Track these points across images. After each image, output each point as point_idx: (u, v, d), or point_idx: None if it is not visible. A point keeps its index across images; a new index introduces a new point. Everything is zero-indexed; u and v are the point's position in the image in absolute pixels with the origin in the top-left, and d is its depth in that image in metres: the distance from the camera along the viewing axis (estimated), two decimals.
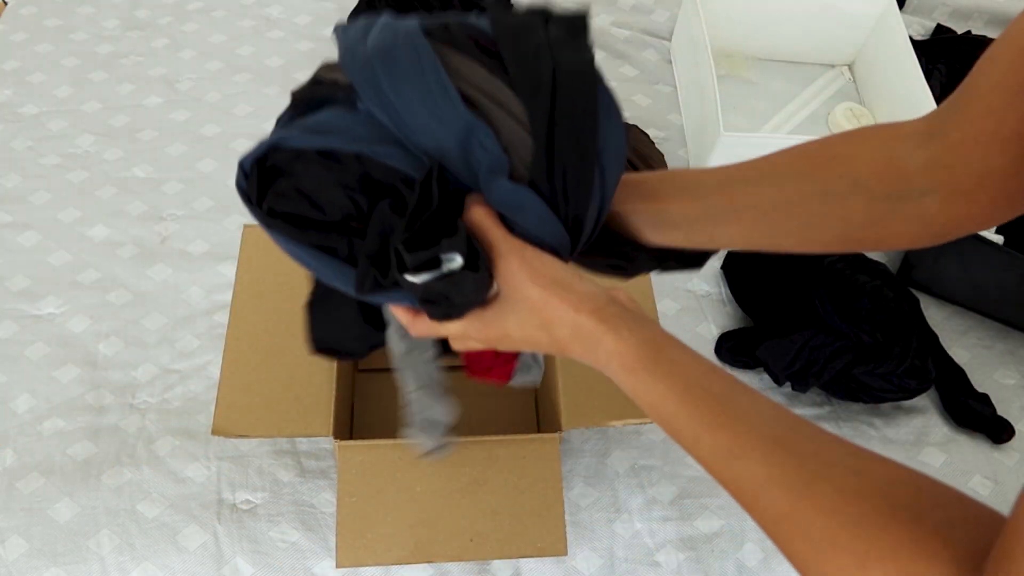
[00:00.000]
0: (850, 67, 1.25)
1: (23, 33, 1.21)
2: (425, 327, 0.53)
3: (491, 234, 0.48)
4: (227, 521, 0.77)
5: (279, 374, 0.72)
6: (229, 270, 0.94)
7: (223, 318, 0.90)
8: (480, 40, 0.50)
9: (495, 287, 0.49)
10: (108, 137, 1.08)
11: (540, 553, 0.68)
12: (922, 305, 0.93)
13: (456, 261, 0.45)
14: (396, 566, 0.75)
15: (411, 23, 0.52)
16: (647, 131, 1.08)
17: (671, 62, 1.24)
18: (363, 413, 0.86)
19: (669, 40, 1.26)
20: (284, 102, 1.20)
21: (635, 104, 1.17)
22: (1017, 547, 0.30)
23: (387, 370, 0.88)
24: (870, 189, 0.53)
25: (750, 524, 0.80)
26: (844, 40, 1.22)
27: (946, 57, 1.22)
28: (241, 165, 0.53)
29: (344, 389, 0.77)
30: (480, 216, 0.49)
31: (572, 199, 0.50)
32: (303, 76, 1.28)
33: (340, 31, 0.54)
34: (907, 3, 1.34)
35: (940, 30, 1.29)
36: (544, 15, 0.51)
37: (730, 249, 0.58)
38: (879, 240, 0.54)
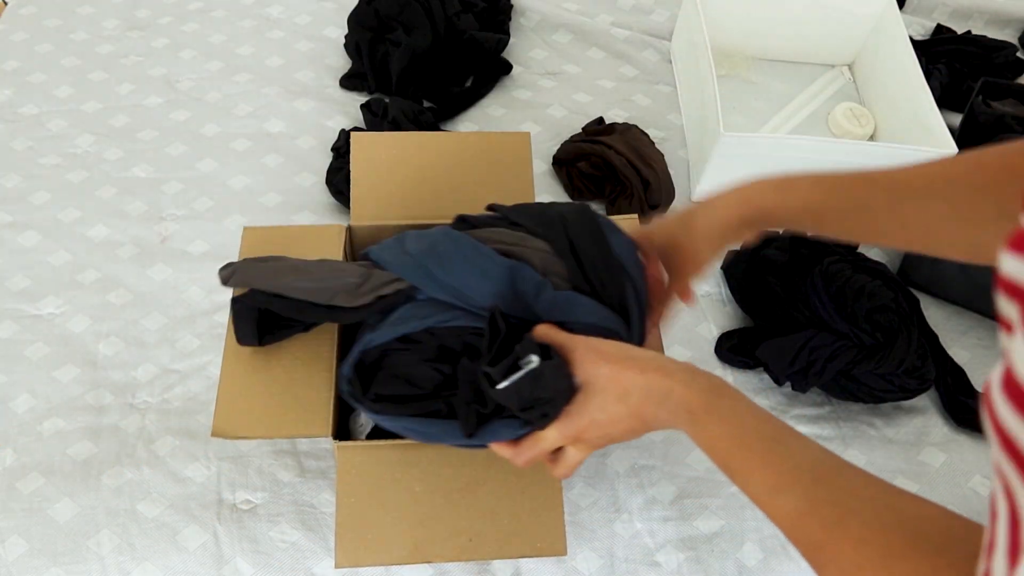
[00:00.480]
0: (850, 67, 1.25)
1: (23, 33, 1.21)
2: (528, 451, 0.58)
3: (556, 337, 0.57)
4: (227, 521, 0.77)
5: (278, 375, 0.72)
6: None
7: (223, 318, 0.90)
8: (496, 220, 0.67)
9: (575, 379, 0.55)
10: (108, 137, 1.08)
11: (539, 553, 0.68)
12: (922, 305, 0.93)
13: (532, 360, 0.54)
14: (395, 566, 0.75)
15: (436, 230, 0.65)
16: (647, 131, 1.08)
17: (671, 62, 1.24)
18: (363, 413, 0.86)
19: (669, 40, 1.26)
20: (284, 102, 1.20)
21: (635, 104, 1.17)
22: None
23: None
24: None
25: (750, 524, 0.80)
26: (844, 40, 1.22)
27: (946, 57, 1.22)
28: (343, 375, 0.64)
29: None
30: (542, 329, 0.58)
31: (610, 287, 0.61)
32: (303, 76, 1.29)
33: (377, 255, 0.67)
34: (907, 3, 1.34)
35: (940, 30, 1.29)
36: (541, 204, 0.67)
37: (884, 245, 0.63)
38: None
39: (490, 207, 0.69)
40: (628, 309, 0.61)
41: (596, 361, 0.54)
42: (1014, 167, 0.52)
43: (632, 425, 0.54)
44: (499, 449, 0.60)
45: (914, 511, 0.41)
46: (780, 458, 0.47)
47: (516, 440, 0.59)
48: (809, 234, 0.62)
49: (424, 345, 0.61)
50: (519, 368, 0.54)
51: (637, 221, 0.83)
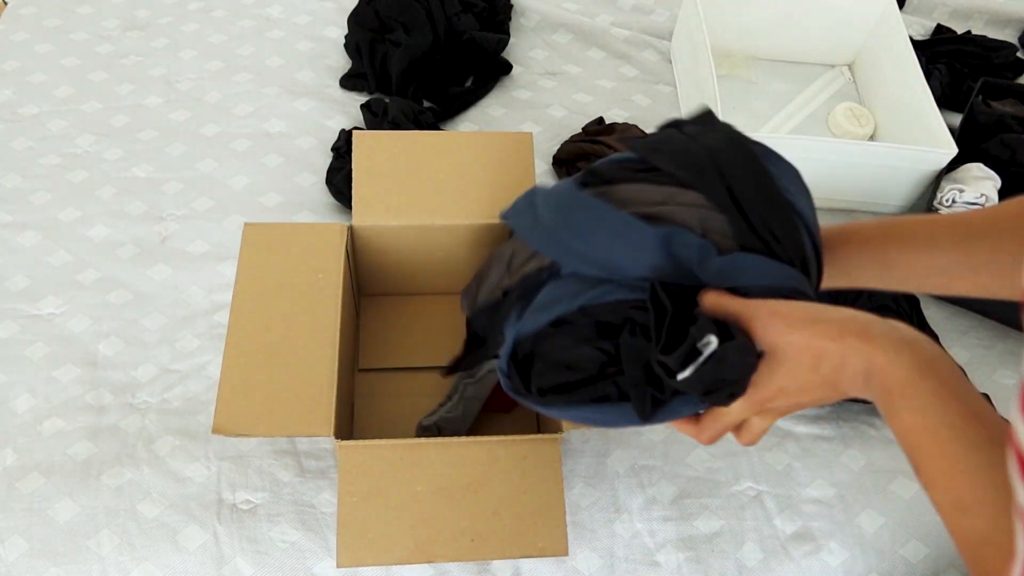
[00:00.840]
0: (850, 67, 1.25)
1: (23, 33, 1.21)
2: (711, 427, 0.53)
3: (731, 307, 0.49)
4: (227, 521, 0.77)
5: (279, 373, 0.72)
6: (229, 270, 0.94)
7: (223, 318, 0.90)
8: (631, 166, 0.55)
9: (758, 348, 0.49)
10: (108, 137, 1.08)
11: (541, 553, 0.68)
12: (922, 305, 0.93)
13: (711, 342, 0.47)
14: (396, 566, 0.75)
15: (565, 187, 0.56)
16: (647, 131, 1.08)
17: (671, 62, 1.24)
18: (363, 413, 0.86)
19: (669, 40, 1.26)
20: (284, 102, 1.20)
21: (635, 104, 1.17)
22: None
23: (387, 370, 0.89)
24: None
25: (750, 524, 0.80)
26: (844, 40, 1.22)
27: (946, 57, 1.22)
28: (501, 370, 0.58)
29: (344, 389, 0.77)
30: (712, 299, 0.50)
31: (784, 240, 0.52)
32: (303, 76, 1.29)
33: (511, 219, 0.59)
34: (907, 3, 1.34)
35: (940, 30, 1.29)
36: (674, 123, 0.56)
37: (950, 292, 0.58)
38: None
39: (624, 141, 0.59)
40: (807, 260, 0.53)
41: (781, 329, 0.48)
42: None
43: (825, 393, 0.49)
44: (680, 427, 0.55)
45: None
46: (974, 471, 0.42)
47: (697, 416, 0.54)
48: (879, 287, 0.58)
49: (579, 325, 0.54)
50: (698, 352, 0.48)
51: None
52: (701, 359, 0.48)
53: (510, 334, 0.57)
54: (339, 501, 0.68)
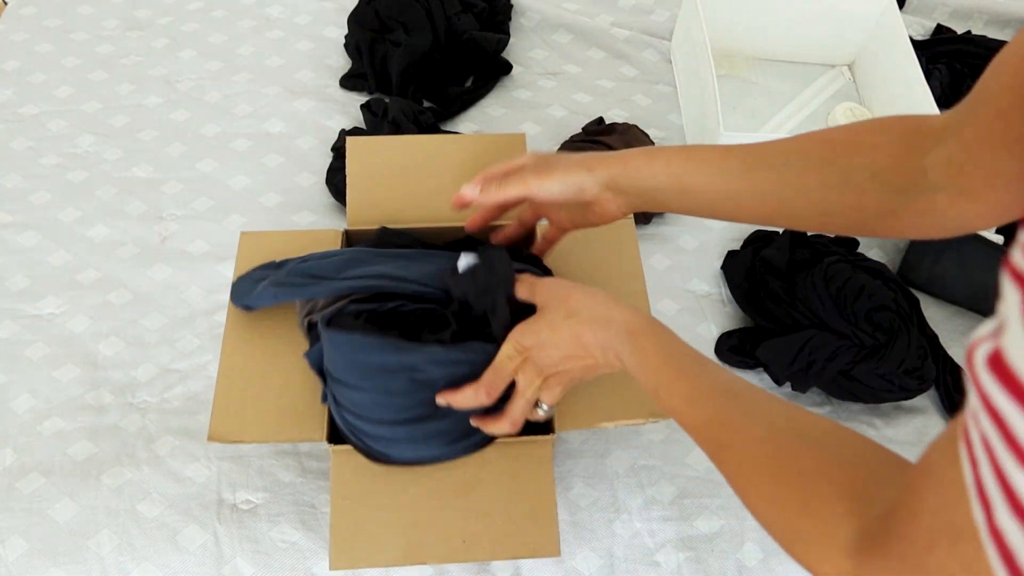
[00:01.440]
0: (850, 67, 1.25)
1: (23, 33, 1.21)
2: (489, 377, 0.63)
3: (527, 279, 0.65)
4: (227, 521, 0.77)
5: (274, 380, 0.72)
6: (229, 270, 0.94)
7: (223, 318, 0.89)
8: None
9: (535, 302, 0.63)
10: (108, 137, 1.08)
11: (533, 554, 0.68)
12: (922, 305, 0.93)
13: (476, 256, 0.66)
14: (391, 568, 0.75)
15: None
16: (647, 131, 1.08)
17: (671, 62, 1.24)
18: None
19: (669, 40, 1.26)
20: (284, 102, 1.20)
21: (635, 104, 1.17)
22: (909, 515, 0.34)
23: None
24: (887, 181, 0.56)
25: (750, 524, 0.80)
26: (844, 40, 1.22)
27: (946, 57, 1.22)
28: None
29: None
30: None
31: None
32: (303, 76, 1.29)
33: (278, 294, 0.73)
34: (907, 3, 1.34)
35: (940, 30, 1.29)
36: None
37: (750, 224, 0.68)
38: (889, 230, 0.58)
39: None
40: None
41: (553, 286, 0.62)
42: (860, 142, 0.57)
43: (575, 350, 0.59)
44: (469, 392, 0.63)
45: (815, 424, 0.47)
46: (702, 375, 0.53)
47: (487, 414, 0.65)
48: (678, 211, 0.66)
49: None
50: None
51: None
52: (474, 258, 0.65)
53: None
54: (332, 505, 0.68)
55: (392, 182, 0.84)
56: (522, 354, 0.61)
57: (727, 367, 0.90)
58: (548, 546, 0.68)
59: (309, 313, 0.73)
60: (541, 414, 0.65)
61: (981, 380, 0.25)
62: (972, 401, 0.26)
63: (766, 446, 0.47)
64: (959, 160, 0.52)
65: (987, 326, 0.26)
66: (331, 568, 0.67)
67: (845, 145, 0.58)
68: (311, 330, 0.72)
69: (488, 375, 0.63)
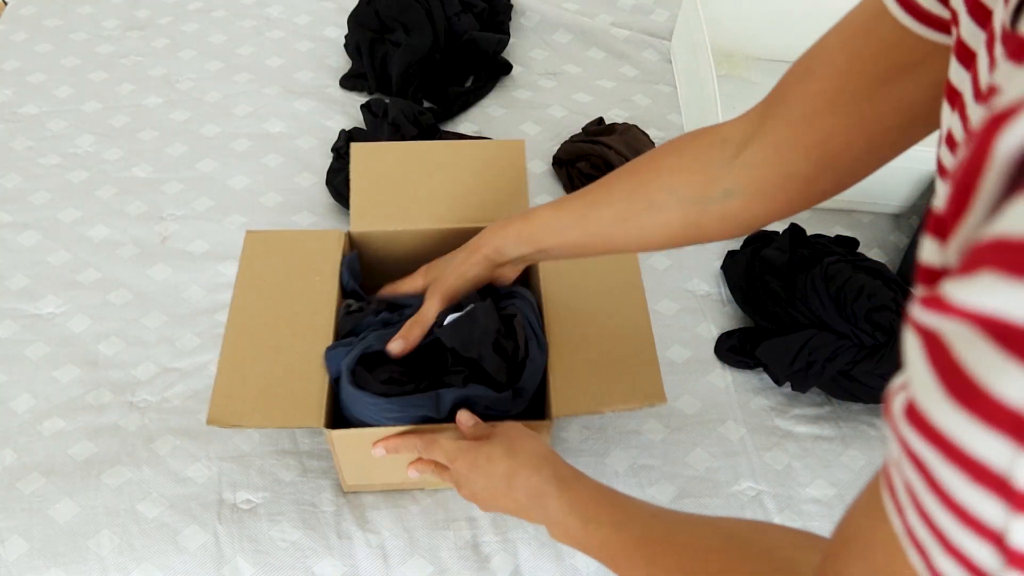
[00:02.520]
0: None
1: (23, 33, 1.21)
2: (429, 445, 0.69)
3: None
4: (228, 521, 0.77)
5: (275, 368, 0.73)
6: (229, 270, 0.94)
7: (223, 317, 0.89)
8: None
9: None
10: (108, 137, 1.08)
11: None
12: None
13: (469, 306, 0.74)
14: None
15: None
16: (647, 131, 1.08)
17: (671, 62, 1.24)
18: None
19: (669, 40, 1.26)
20: (284, 102, 1.20)
21: (635, 104, 1.17)
22: (842, 548, 0.34)
23: None
24: (683, 196, 0.62)
25: None
26: None
27: None
28: (346, 367, 0.73)
29: None
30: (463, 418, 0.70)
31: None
32: (303, 76, 1.29)
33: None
34: None
35: None
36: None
37: (588, 256, 0.75)
38: (695, 238, 0.64)
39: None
40: (521, 389, 0.74)
41: (507, 428, 0.67)
42: (660, 167, 0.64)
43: (500, 485, 0.63)
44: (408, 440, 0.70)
45: (735, 523, 0.51)
46: (628, 504, 0.59)
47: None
48: (547, 259, 0.76)
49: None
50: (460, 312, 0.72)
51: None
52: (460, 313, 0.72)
53: (360, 345, 0.73)
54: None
55: (395, 187, 0.86)
56: (451, 464, 0.67)
57: (727, 367, 0.90)
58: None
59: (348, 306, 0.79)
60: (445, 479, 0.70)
61: (900, 430, 0.25)
62: (893, 450, 0.26)
63: (691, 551, 0.49)
64: (754, 162, 0.56)
65: (900, 377, 0.26)
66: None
67: (647, 172, 0.64)
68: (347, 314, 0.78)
69: (425, 442, 0.69)
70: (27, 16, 1.24)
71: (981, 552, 0.22)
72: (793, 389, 0.88)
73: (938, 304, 0.22)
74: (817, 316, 0.87)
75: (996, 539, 0.22)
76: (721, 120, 0.96)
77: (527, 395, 0.73)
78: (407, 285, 0.79)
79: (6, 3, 1.27)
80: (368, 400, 0.70)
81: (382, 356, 0.73)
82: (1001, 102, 0.21)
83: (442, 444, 0.67)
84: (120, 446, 0.81)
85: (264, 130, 1.10)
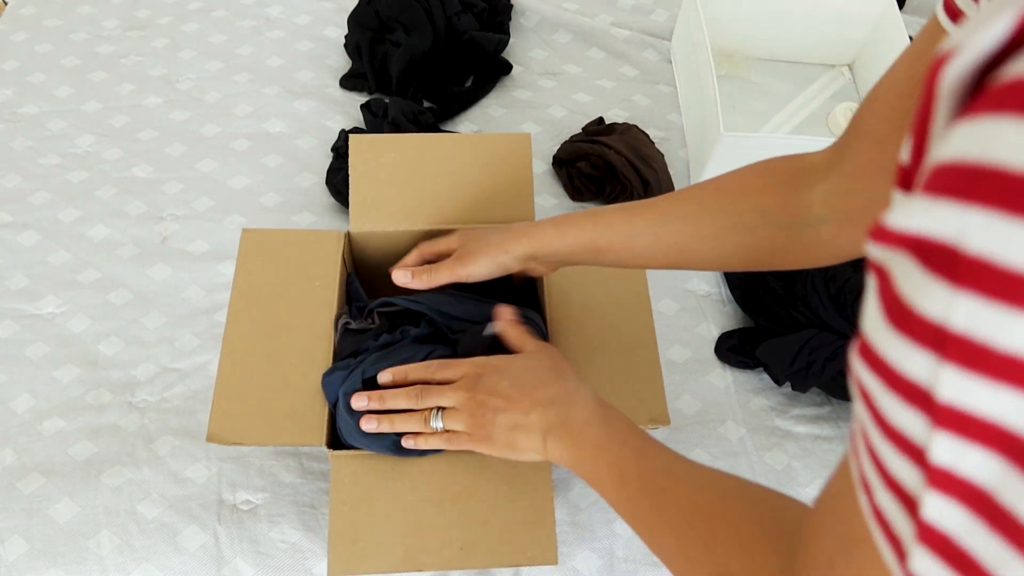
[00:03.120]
0: (850, 67, 1.25)
1: (23, 33, 1.21)
2: (425, 372, 0.70)
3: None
4: (227, 522, 0.77)
5: (274, 382, 0.72)
6: (229, 270, 0.94)
7: (223, 317, 0.89)
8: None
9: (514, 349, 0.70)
10: (108, 137, 1.08)
11: (531, 562, 0.67)
12: None
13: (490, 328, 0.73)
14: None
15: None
16: (647, 131, 1.08)
17: (671, 62, 1.24)
18: None
19: (669, 40, 1.26)
20: (284, 102, 1.20)
21: (635, 104, 1.17)
22: (811, 539, 0.35)
23: None
24: (775, 219, 0.61)
25: None
26: (844, 40, 1.22)
27: None
28: (344, 393, 0.72)
29: None
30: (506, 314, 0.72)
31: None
32: (303, 76, 1.29)
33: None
34: (907, 3, 1.34)
35: None
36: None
37: (651, 268, 0.74)
38: (783, 262, 0.63)
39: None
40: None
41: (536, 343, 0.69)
42: (748, 187, 0.63)
43: (521, 393, 0.63)
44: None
45: (736, 480, 0.51)
46: (645, 438, 0.59)
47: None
48: (593, 264, 0.73)
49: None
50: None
51: None
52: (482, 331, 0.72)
53: (359, 370, 0.72)
54: (331, 510, 0.68)
55: (396, 183, 0.83)
56: (478, 370, 0.66)
57: (727, 367, 0.90)
58: (546, 554, 0.67)
59: (344, 315, 0.78)
60: (432, 425, 0.67)
61: (855, 370, 0.26)
62: (854, 404, 0.27)
63: (704, 494, 0.50)
64: (842, 191, 0.57)
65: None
66: (329, 575, 0.66)
67: (735, 191, 0.63)
68: (344, 331, 0.76)
69: (435, 366, 0.68)
70: (27, 16, 1.24)
71: (908, 474, 0.23)
72: (793, 389, 0.88)
73: (880, 233, 0.23)
74: (817, 316, 0.87)
75: (918, 456, 0.22)
76: (721, 120, 0.96)
77: None
78: (442, 244, 0.77)
79: (6, 3, 1.27)
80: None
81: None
82: (942, 48, 0.22)
83: (472, 359, 0.67)
84: (120, 446, 0.81)
85: (264, 130, 1.10)
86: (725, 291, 0.97)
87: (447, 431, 0.67)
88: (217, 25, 1.24)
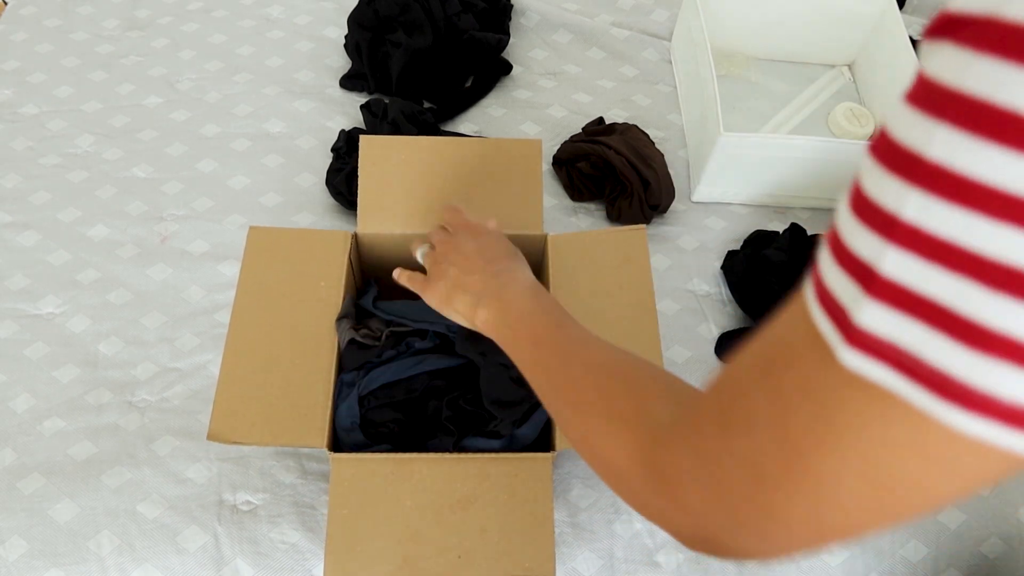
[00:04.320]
0: (850, 67, 1.25)
1: (23, 33, 1.21)
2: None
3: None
4: (227, 522, 0.77)
5: (277, 382, 0.72)
6: (229, 270, 0.94)
7: (223, 317, 0.90)
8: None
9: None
10: (108, 137, 1.08)
11: (528, 573, 0.67)
12: None
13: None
14: None
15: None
16: (647, 131, 1.08)
17: (671, 62, 1.24)
18: None
19: (669, 40, 1.26)
20: (284, 102, 1.20)
21: (635, 104, 1.17)
22: (714, 385, 0.36)
23: None
24: None
25: None
26: (844, 40, 1.22)
27: None
28: (346, 409, 0.76)
29: None
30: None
31: None
32: (303, 76, 1.29)
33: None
34: (907, 3, 1.34)
35: None
36: None
37: None
38: None
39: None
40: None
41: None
42: None
43: (477, 259, 0.67)
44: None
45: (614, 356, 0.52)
46: (562, 312, 0.61)
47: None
48: None
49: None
50: None
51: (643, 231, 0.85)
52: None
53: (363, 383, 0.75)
54: (329, 514, 0.68)
55: (404, 185, 0.83)
56: (463, 228, 0.71)
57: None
58: (543, 565, 0.67)
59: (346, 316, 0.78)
60: (417, 255, 0.74)
61: (837, 217, 0.29)
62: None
63: (610, 356, 0.52)
64: None
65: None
66: None
67: None
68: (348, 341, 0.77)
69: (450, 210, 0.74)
70: (27, 16, 1.24)
71: (869, 244, 0.26)
72: None
73: (932, 28, 0.25)
74: None
75: (886, 223, 0.26)
76: (721, 120, 0.96)
77: (519, 445, 0.74)
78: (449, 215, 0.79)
79: (6, 3, 1.27)
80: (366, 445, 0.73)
81: (381, 398, 0.75)
82: None
83: (468, 220, 0.73)
84: (120, 446, 0.81)
85: (264, 130, 1.10)
86: (725, 291, 0.97)
87: (419, 274, 0.72)
88: (217, 25, 1.24)
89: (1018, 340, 0.23)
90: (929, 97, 0.24)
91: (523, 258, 0.70)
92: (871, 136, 0.29)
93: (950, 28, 0.24)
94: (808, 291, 0.31)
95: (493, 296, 0.64)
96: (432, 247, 0.72)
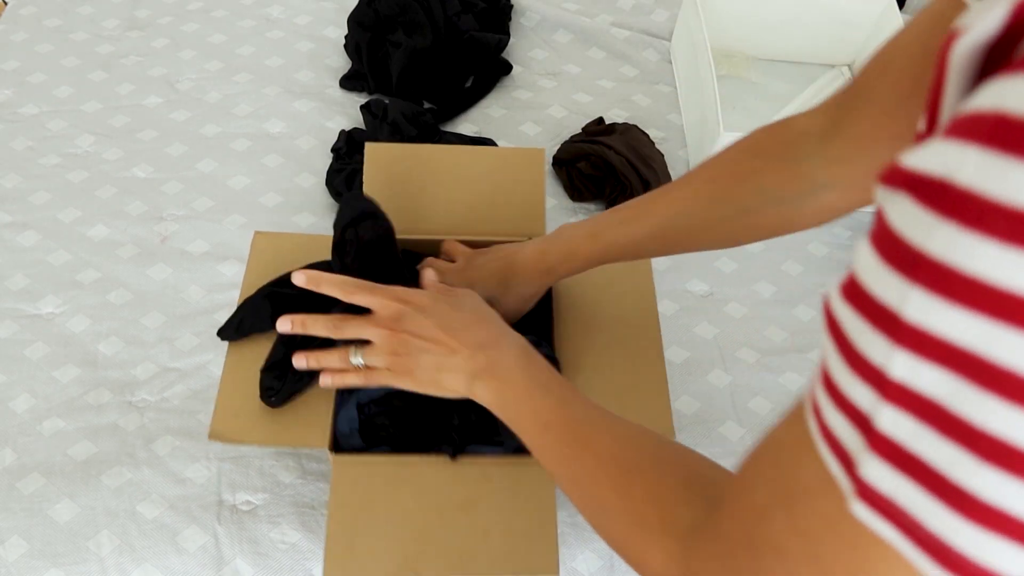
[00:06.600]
0: (850, 67, 1.25)
1: (23, 33, 1.21)
2: (342, 320, 0.66)
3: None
4: (227, 522, 0.77)
5: None
6: (229, 270, 0.94)
7: (223, 317, 0.89)
8: None
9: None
10: (108, 137, 1.08)
11: (530, 571, 0.67)
12: None
13: None
14: None
15: None
16: (647, 131, 1.08)
17: (671, 62, 1.24)
18: None
19: (669, 40, 1.26)
20: (284, 102, 1.20)
21: (635, 104, 1.17)
22: (741, 493, 0.36)
23: None
24: (777, 196, 0.62)
25: None
26: (844, 40, 1.22)
27: None
28: (345, 425, 0.74)
29: None
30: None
31: None
32: (303, 76, 1.29)
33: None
34: (907, 3, 1.34)
35: None
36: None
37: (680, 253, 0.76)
38: (790, 229, 0.65)
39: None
40: None
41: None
42: (743, 171, 0.64)
43: (465, 316, 0.63)
44: (322, 321, 0.66)
45: (656, 435, 0.52)
46: (564, 387, 0.59)
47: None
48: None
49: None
50: None
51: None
52: None
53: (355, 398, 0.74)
54: (329, 515, 0.67)
55: (408, 192, 0.83)
56: (400, 305, 0.63)
57: (727, 367, 0.90)
58: (547, 566, 0.67)
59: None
60: (352, 362, 0.65)
61: (832, 304, 0.27)
62: (821, 339, 0.29)
63: (624, 445, 0.51)
64: (844, 156, 0.57)
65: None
66: None
67: (728, 179, 0.64)
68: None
69: (351, 286, 0.65)
70: (27, 16, 1.24)
71: (864, 395, 0.25)
72: None
73: (886, 175, 0.24)
74: None
75: (877, 377, 0.24)
76: (721, 120, 0.96)
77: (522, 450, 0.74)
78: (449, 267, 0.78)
79: (6, 3, 1.27)
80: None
81: (381, 405, 0.74)
82: (952, 27, 0.24)
83: (394, 290, 0.64)
84: (120, 446, 0.81)
85: (264, 130, 1.10)
86: (725, 291, 0.97)
87: (367, 368, 0.65)
88: (217, 25, 1.24)
89: (1015, 516, 0.22)
90: (898, 254, 0.23)
91: (489, 308, 0.66)
92: None
93: (907, 183, 0.23)
94: (811, 423, 0.29)
95: (485, 372, 0.61)
96: (367, 346, 0.65)
